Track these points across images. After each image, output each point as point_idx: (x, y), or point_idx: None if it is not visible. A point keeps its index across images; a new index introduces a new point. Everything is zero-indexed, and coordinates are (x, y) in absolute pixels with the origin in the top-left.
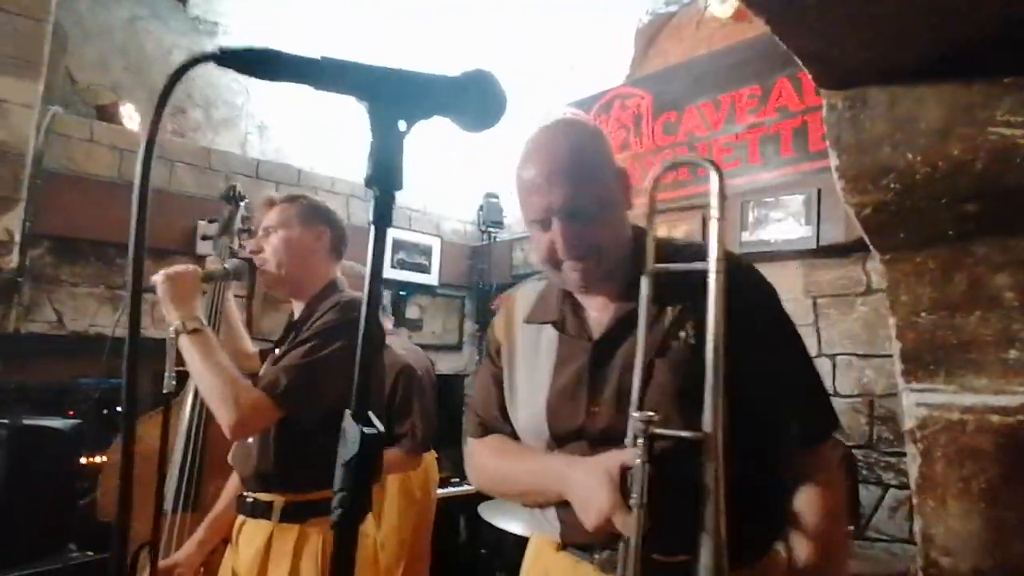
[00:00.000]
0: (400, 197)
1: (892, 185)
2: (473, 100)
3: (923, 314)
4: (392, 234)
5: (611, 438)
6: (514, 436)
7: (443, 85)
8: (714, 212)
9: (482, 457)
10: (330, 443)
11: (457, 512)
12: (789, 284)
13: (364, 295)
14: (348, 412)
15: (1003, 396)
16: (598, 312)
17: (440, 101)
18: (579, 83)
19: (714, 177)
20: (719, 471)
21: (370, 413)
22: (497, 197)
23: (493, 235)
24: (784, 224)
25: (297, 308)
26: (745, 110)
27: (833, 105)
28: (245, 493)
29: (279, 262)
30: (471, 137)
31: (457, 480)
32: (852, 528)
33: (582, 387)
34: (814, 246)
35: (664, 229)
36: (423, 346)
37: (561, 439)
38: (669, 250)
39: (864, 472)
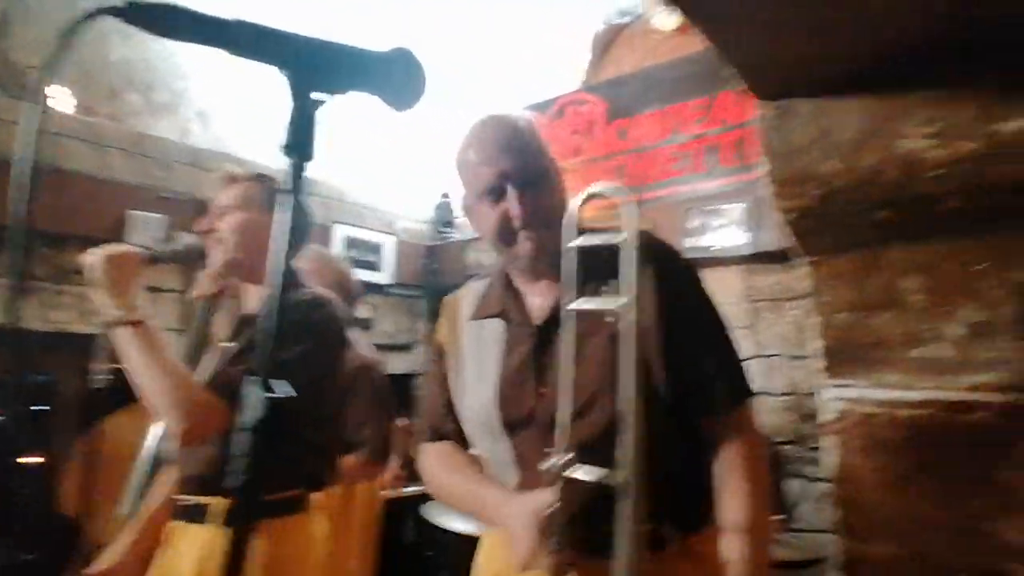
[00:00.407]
0: (352, 194)
1: (815, 191)
2: (395, 77)
3: (841, 314)
4: (342, 231)
5: (555, 425)
6: (459, 439)
7: (364, 59)
8: (628, 244)
9: (430, 463)
10: (282, 446)
11: (402, 514)
12: (731, 289)
13: (274, 266)
14: (253, 379)
15: (910, 391)
16: (541, 299)
17: (361, 76)
18: (535, 87)
19: (630, 211)
20: (637, 511)
21: (273, 381)
22: (449, 197)
23: (447, 236)
24: (726, 231)
25: (251, 299)
26: (690, 121)
27: (764, 114)
28: (180, 496)
29: (236, 245)
30: (427, 135)
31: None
32: (783, 518)
33: (528, 372)
34: (752, 252)
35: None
36: (375, 346)
37: (512, 427)
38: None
39: (791, 467)
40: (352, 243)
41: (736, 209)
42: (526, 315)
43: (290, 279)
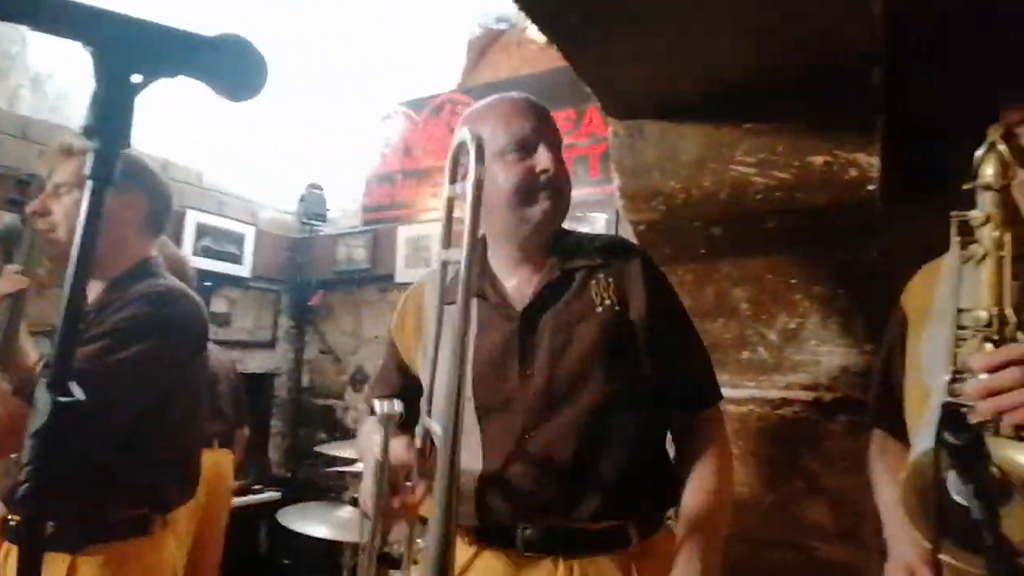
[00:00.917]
0: (211, 179)
1: (660, 207)
2: (227, 65)
3: None
4: (196, 218)
5: (543, 405)
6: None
7: (190, 43)
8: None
9: (363, 431)
10: (116, 460)
11: (257, 521)
12: None
13: (71, 264)
14: (43, 380)
15: (737, 389)
16: (519, 282)
17: (186, 60)
18: (411, 83)
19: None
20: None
21: (71, 383)
22: (321, 189)
23: (315, 228)
24: None
25: (94, 290)
26: (561, 131)
27: (617, 132)
28: (9, 516)
29: (71, 229)
30: (295, 124)
31: (259, 487)
32: None
33: (511, 354)
34: None
35: None
36: (232, 342)
37: (486, 411)
38: (573, 238)
39: None
40: (207, 231)
41: (600, 218)
42: (504, 297)
43: (144, 270)
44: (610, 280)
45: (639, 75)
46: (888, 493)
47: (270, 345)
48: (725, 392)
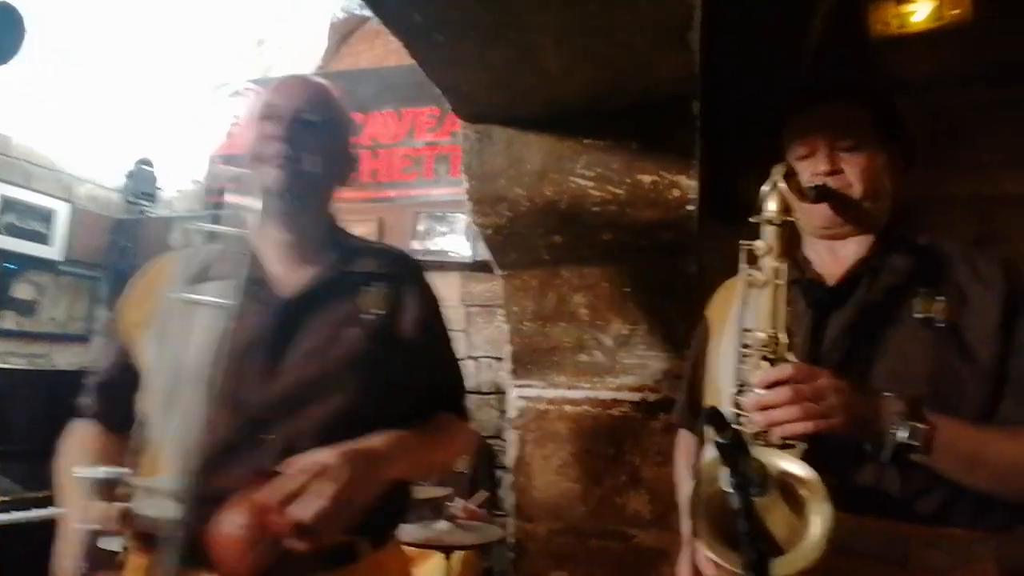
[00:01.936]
0: (19, 146)
1: (506, 212)
2: None
3: (526, 323)
4: (1, 191)
5: (283, 407)
6: (107, 420)
7: None
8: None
9: (67, 444)
10: None
11: (55, 538)
12: (449, 293)
13: None
14: None
15: (574, 390)
16: (285, 270)
17: None
18: (267, 61)
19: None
20: None
21: None
22: (152, 165)
23: (145, 209)
24: (449, 238)
25: None
26: (424, 128)
27: (467, 135)
28: None
29: None
30: (128, 91)
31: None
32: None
33: (261, 346)
34: (471, 260)
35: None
36: (38, 335)
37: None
38: (363, 245)
39: (496, 460)
40: (9, 205)
41: (460, 219)
42: (266, 284)
43: None
44: (384, 291)
45: (485, 82)
46: (685, 487)
47: (84, 339)
48: (563, 393)
